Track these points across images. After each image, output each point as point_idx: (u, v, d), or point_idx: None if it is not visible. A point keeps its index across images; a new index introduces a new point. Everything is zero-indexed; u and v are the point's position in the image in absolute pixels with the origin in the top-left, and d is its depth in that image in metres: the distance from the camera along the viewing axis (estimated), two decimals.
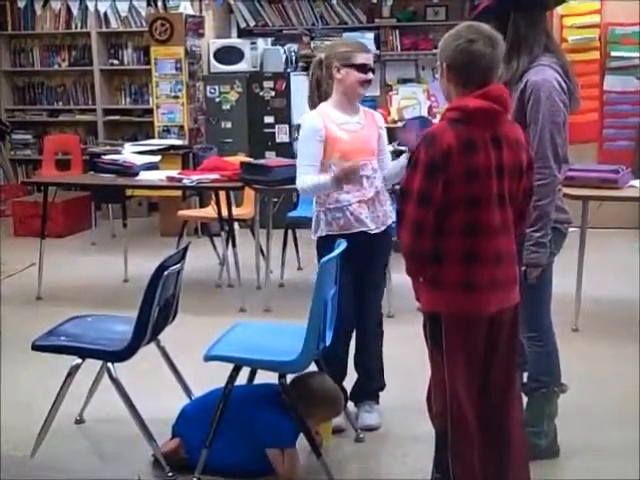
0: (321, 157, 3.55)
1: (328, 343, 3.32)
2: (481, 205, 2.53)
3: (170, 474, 3.26)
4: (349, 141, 3.56)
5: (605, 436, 3.59)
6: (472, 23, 2.63)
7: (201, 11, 8.32)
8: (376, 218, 3.62)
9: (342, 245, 3.35)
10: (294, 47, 8.28)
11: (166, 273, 3.29)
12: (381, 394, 3.83)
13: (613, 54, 7.48)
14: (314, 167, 3.55)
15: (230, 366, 3.21)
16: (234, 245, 5.48)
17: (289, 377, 3.28)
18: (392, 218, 3.66)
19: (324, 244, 3.57)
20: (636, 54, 7.45)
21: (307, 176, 3.54)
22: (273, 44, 8.31)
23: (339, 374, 3.63)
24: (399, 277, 5.27)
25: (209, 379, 3.42)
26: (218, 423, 3.18)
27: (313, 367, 3.39)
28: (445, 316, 2.57)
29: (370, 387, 3.79)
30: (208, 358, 3.23)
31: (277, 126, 7.85)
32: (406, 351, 4.17)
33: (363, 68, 3.55)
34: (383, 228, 3.66)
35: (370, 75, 3.60)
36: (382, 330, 3.81)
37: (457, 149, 2.49)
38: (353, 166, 3.42)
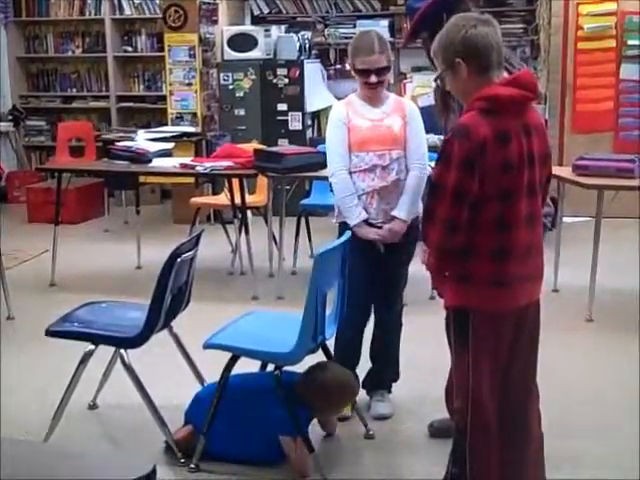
0: (347, 144, 3.57)
1: (329, 336, 3.32)
2: (512, 197, 2.46)
3: (182, 460, 3.27)
4: (367, 130, 3.57)
5: (619, 426, 3.57)
6: (459, 15, 2.58)
7: None
8: (387, 211, 3.59)
9: (343, 237, 3.35)
10: (308, 35, 8.25)
11: (179, 260, 3.29)
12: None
13: (629, 42, 7.41)
14: (345, 155, 3.56)
15: None
16: (247, 233, 5.47)
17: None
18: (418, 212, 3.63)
19: (342, 230, 3.61)
20: None
21: (344, 182, 3.56)
22: (287, 31, 8.27)
23: (352, 363, 3.64)
24: (413, 266, 5.31)
25: (221, 366, 3.41)
26: (216, 411, 3.20)
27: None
28: (474, 311, 2.50)
29: (384, 377, 3.78)
30: (206, 346, 3.25)
31: (290, 113, 7.83)
32: (417, 341, 4.17)
33: (362, 71, 3.52)
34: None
35: (371, 78, 3.51)
36: (401, 321, 3.80)
37: (492, 141, 2.40)
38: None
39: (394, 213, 3.58)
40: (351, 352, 3.68)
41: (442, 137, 3.03)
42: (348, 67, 3.69)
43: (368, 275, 3.57)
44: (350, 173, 3.57)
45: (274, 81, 7.86)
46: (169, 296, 3.31)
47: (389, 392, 3.79)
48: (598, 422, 3.63)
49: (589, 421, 3.63)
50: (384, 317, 3.73)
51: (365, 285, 3.55)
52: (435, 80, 2.67)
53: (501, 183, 2.44)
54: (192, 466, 3.24)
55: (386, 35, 8.21)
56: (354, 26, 8.42)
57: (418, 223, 3.59)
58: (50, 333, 3.43)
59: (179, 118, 8.05)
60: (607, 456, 3.35)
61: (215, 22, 8.16)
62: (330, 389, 3.26)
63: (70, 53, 9.15)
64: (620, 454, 3.34)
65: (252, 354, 3.27)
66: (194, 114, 8.03)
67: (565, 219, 5.80)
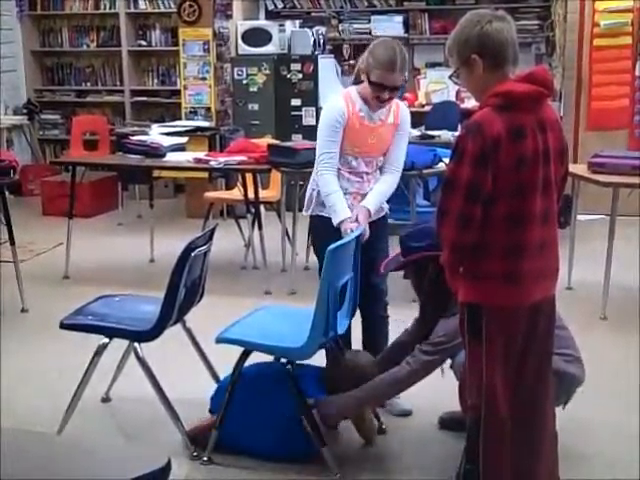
0: (340, 142, 3.55)
1: (342, 331, 3.32)
2: (526, 194, 2.45)
3: (195, 454, 3.28)
4: (361, 137, 3.57)
5: (634, 424, 3.56)
6: (474, 11, 2.58)
7: None
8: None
9: (358, 230, 3.35)
10: (322, 30, 8.24)
11: (193, 254, 3.29)
12: None
13: None
14: (335, 154, 3.55)
15: None
16: (260, 227, 5.48)
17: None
18: (385, 209, 3.75)
19: (317, 224, 3.62)
20: None
21: (331, 179, 3.54)
22: (301, 26, 8.27)
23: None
24: None
25: (234, 359, 3.41)
26: (229, 404, 3.20)
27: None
28: (487, 307, 2.49)
29: None
30: (219, 340, 3.26)
31: (304, 109, 7.83)
32: None
33: (375, 84, 3.47)
34: (377, 217, 3.67)
35: (384, 94, 3.48)
36: (387, 315, 3.80)
37: (506, 137, 2.39)
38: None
39: (363, 203, 3.61)
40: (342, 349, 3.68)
41: (456, 134, 3.03)
42: (359, 66, 3.60)
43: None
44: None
45: (288, 76, 7.86)
46: (182, 290, 3.31)
47: None
48: (612, 421, 3.61)
49: (603, 420, 3.62)
50: (370, 313, 3.73)
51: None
52: (450, 77, 2.66)
53: (515, 179, 2.43)
54: (205, 459, 3.26)
55: (400, 31, 8.22)
56: (369, 21, 8.43)
57: (386, 221, 3.76)
58: (64, 326, 3.45)
59: (193, 113, 8.07)
60: (621, 455, 3.33)
61: (229, 17, 8.17)
62: (362, 370, 3.26)
63: (85, 47, 9.18)
64: (635, 453, 3.32)
65: (264, 349, 3.27)
66: (208, 109, 8.05)
67: (579, 217, 5.77)
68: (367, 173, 3.62)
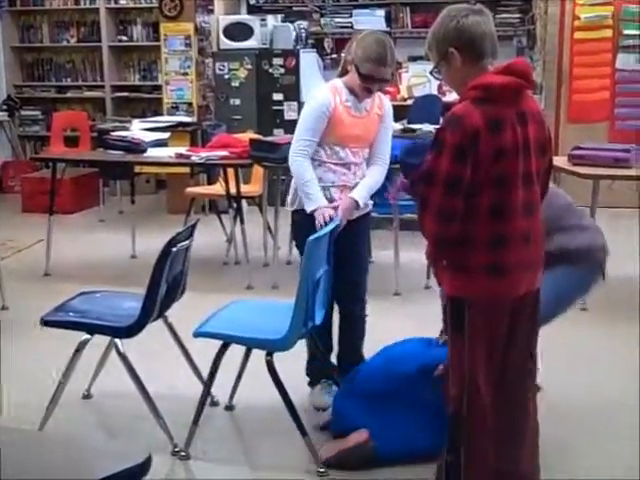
0: (321, 134, 3.54)
1: (319, 322, 3.31)
2: (508, 185, 2.45)
3: (176, 449, 3.27)
4: (349, 127, 3.55)
5: (613, 416, 3.58)
6: (451, 6, 2.58)
7: None
8: None
9: (332, 223, 3.34)
10: (304, 24, 8.22)
11: (174, 250, 3.28)
12: None
13: (626, 32, 7.41)
14: (313, 143, 3.54)
15: None
16: (242, 222, 5.47)
17: None
18: (369, 205, 3.73)
19: (300, 218, 3.59)
20: None
21: (306, 166, 3.52)
22: (283, 21, 8.25)
23: (326, 349, 3.68)
24: (407, 255, 5.33)
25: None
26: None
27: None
28: (471, 300, 2.50)
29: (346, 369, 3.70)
30: (197, 334, 3.25)
31: (286, 103, 7.82)
32: (414, 330, 4.17)
33: (365, 77, 3.47)
34: (360, 214, 3.66)
35: (373, 87, 3.50)
36: (366, 314, 3.77)
37: (485, 129, 2.40)
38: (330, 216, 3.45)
39: (351, 194, 3.59)
40: (323, 341, 3.67)
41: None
42: (345, 57, 3.60)
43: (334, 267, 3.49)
44: (321, 163, 3.57)
45: (270, 71, 7.84)
46: (164, 286, 3.30)
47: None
48: (591, 411, 3.63)
49: (581, 410, 3.64)
50: (350, 310, 3.70)
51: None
52: (431, 72, 2.67)
53: (495, 171, 2.43)
54: (183, 454, 3.25)
55: (382, 24, 8.21)
56: (350, 15, 8.40)
57: (369, 216, 3.75)
58: (45, 323, 3.43)
59: (174, 108, 8.03)
60: (603, 445, 3.36)
61: (211, 11, 8.14)
62: None
63: (65, 43, 9.12)
64: (616, 442, 3.35)
65: (243, 341, 3.28)
66: (189, 104, 8.01)
67: None
68: (355, 164, 3.60)
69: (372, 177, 3.66)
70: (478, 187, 2.43)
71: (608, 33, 7.46)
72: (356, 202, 3.58)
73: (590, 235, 3.21)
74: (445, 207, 2.43)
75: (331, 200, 3.56)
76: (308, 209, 3.52)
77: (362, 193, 3.61)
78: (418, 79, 8.09)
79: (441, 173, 2.41)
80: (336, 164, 3.59)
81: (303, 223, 3.55)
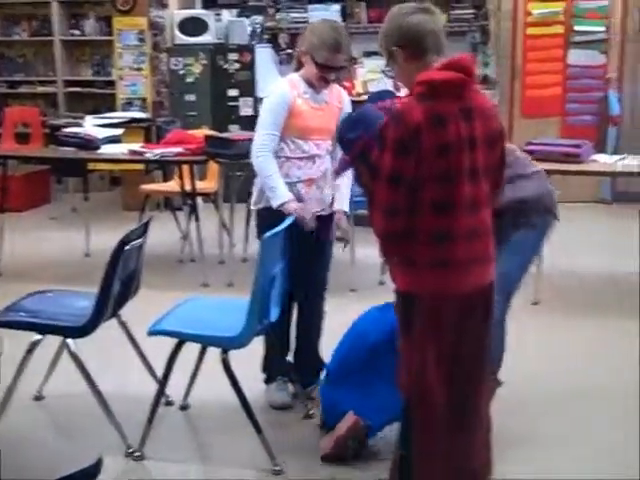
0: (282, 127, 3.52)
1: (274, 319, 3.31)
2: (452, 180, 2.47)
3: (130, 450, 3.23)
4: (309, 118, 3.54)
5: (560, 409, 3.64)
6: (398, 5, 2.62)
7: None
8: (321, 200, 3.62)
9: (288, 220, 3.34)
10: (259, 19, 8.19)
11: (128, 248, 3.25)
12: None
13: (576, 28, 7.51)
14: (275, 137, 3.52)
15: None
16: (197, 219, 5.44)
17: None
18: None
19: (265, 216, 3.57)
20: (600, 28, 7.49)
21: (270, 161, 3.51)
22: (238, 16, 8.21)
23: (283, 347, 3.68)
24: (362, 251, 5.34)
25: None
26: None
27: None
28: (419, 296, 2.51)
29: (303, 367, 3.74)
30: (151, 333, 3.23)
31: (241, 99, 7.79)
32: None
33: (322, 66, 3.47)
34: (329, 212, 3.66)
35: (330, 75, 3.51)
36: (325, 310, 3.78)
37: (426, 125, 2.42)
38: (305, 217, 3.48)
39: (338, 207, 3.65)
40: (280, 339, 3.68)
41: None
42: (299, 50, 3.59)
43: (297, 264, 3.50)
44: (286, 159, 3.55)
45: (225, 66, 7.80)
46: (117, 284, 3.27)
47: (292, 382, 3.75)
48: (545, 401, 3.68)
49: (536, 400, 3.69)
50: (311, 307, 3.72)
51: (290, 272, 3.49)
52: (382, 71, 2.70)
53: (439, 166, 2.46)
54: (137, 454, 3.22)
55: (337, 19, 8.20)
56: (306, 10, 8.38)
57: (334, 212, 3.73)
58: None
59: (128, 104, 7.95)
60: (559, 433, 3.40)
61: (165, 6, 8.07)
62: None
63: (16, 37, 8.96)
64: (572, 428, 3.40)
65: (199, 339, 3.26)
66: (144, 99, 7.94)
67: None
68: (319, 156, 3.59)
69: (344, 181, 3.68)
70: (422, 182, 2.45)
71: (560, 29, 7.56)
72: (345, 212, 3.70)
73: (536, 183, 3.23)
74: (389, 202, 2.46)
75: (298, 196, 3.54)
76: (274, 204, 3.50)
77: (346, 201, 3.70)
78: (373, 74, 8.11)
79: (385, 168, 2.44)
80: (300, 158, 3.56)
81: (269, 220, 3.49)
